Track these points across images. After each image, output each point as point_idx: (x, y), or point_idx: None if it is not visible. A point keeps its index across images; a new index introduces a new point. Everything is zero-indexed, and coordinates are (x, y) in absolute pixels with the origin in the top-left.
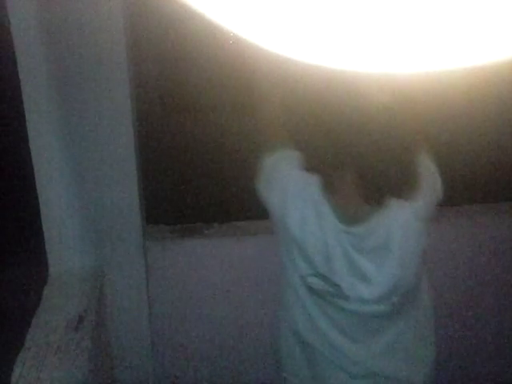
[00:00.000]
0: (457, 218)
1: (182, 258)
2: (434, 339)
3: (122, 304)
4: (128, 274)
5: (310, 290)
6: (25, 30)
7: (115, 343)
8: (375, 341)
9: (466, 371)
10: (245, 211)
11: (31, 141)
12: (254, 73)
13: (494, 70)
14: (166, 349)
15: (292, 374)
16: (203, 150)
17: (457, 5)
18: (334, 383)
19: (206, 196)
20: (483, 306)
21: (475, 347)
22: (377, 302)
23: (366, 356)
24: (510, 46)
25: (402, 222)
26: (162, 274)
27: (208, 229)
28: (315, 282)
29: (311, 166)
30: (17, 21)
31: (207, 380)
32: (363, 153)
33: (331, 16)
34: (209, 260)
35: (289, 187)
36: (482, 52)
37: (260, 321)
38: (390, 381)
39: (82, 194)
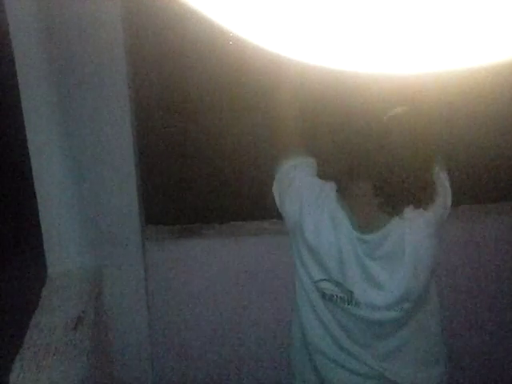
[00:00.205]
0: (457, 218)
1: (180, 258)
2: (441, 343)
3: (121, 304)
4: (127, 275)
5: (322, 295)
6: (23, 31)
7: (114, 344)
8: (383, 344)
9: (466, 371)
10: (243, 212)
11: (29, 141)
12: (272, 80)
13: (494, 71)
14: (165, 349)
15: (301, 380)
16: (202, 150)
17: (457, 6)
18: None
19: (204, 197)
20: (483, 305)
21: (475, 347)
22: (388, 308)
23: (373, 358)
24: (510, 47)
25: (414, 230)
26: (161, 275)
27: (207, 229)
28: (328, 287)
29: (327, 175)
30: (15, 22)
31: (207, 380)
32: (380, 163)
33: (340, 18)
34: (208, 260)
35: (305, 194)
36: (482, 52)
37: (259, 321)
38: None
39: (80, 195)
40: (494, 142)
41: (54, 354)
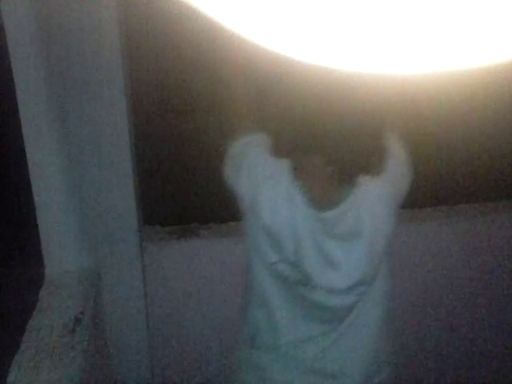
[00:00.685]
0: (456, 218)
1: (178, 258)
2: (384, 341)
3: (119, 305)
4: (125, 275)
5: (277, 279)
6: (19, 33)
7: (112, 345)
8: (324, 338)
9: (466, 371)
10: (241, 212)
11: (27, 143)
12: (223, 60)
13: (494, 70)
14: (163, 350)
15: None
16: (199, 151)
17: (456, 5)
18: (279, 379)
19: (202, 197)
20: (483, 305)
21: (475, 347)
22: (348, 292)
23: (312, 355)
24: (510, 48)
25: (370, 208)
26: (159, 275)
27: (205, 229)
28: (283, 268)
29: (280, 151)
30: (11, 23)
31: (206, 381)
32: (329, 131)
33: (324, 14)
34: (206, 260)
35: (259, 172)
36: (481, 53)
37: None
38: (328, 378)
39: (78, 196)
40: (493, 141)
41: (52, 355)
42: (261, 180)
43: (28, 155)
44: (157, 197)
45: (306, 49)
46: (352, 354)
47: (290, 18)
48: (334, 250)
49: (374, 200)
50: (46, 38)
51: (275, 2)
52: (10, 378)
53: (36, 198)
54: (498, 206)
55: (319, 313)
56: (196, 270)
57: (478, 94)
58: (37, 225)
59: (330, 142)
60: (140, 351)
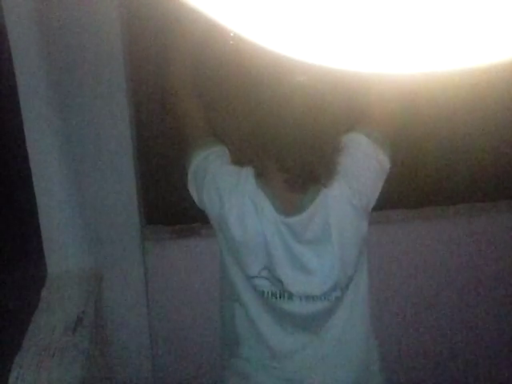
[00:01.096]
0: (456, 218)
1: (180, 258)
2: (368, 348)
3: (121, 305)
4: (126, 275)
5: (254, 292)
6: (21, 32)
7: (114, 344)
8: (309, 348)
9: (466, 371)
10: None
11: (28, 142)
12: (169, 72)
13: (493, 70)
14: (165, 349)
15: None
16: None
17: (456, 5)
18: None
19: None
20: (483, 305)
21: (475, 347)
22: (322, 297)
23: (299, 366)
24: (510, 48)
25: (336, 211)
26: (161, 275)
27: (206, 229)
28: (259, 283)
29: (239, 159)
30: (13, 23)
31: (207, 381)
32: (282, 139)
33: (324, 13)
34: (207, 260)
35: (222, 184)
36: (481, 53)
37: None
38: None
39: (80, 195)
40: (493, 141)
41: (53, 355)
42: (225, 191)
43: (30, 156)
44: (158, 196)
45: (307, 49)
46: (339, 362)
47: (290, 18)
48: (306, 255)
49: (337, 203)
50: (48, 37)
51: (276, 2)
52: (12, 377)
53: (38, 198)
54: (499, 205)
55: (299, 322)
56: (198, 269)
57: (479, 93)
58: (38, 224)
59: (281, 148)
60: (141, 351)
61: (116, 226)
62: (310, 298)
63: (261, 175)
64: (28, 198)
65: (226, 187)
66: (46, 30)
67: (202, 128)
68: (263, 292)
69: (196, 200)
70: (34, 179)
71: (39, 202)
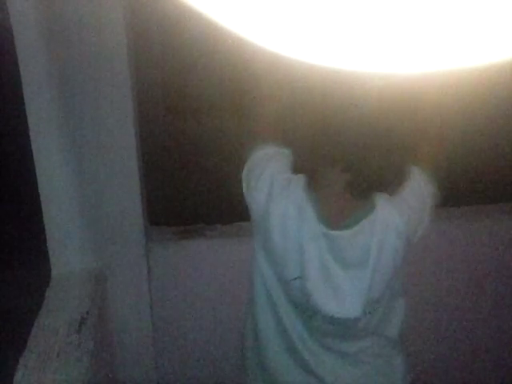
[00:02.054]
0: (457, 219)
1: (184, 259)
2: (401, 362)
3: (125, 305)
4: (130, 276)
5: (285, 295)
6: (26, 32)
7: (117, 345)
8: (337, 357)
9: (466, 371)
10: (247, 212)
11: (33, 142)
12: (252, 71)
13: (493, 70)
14: (168, 350)
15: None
16: (205, 151)
17: (456, 5)
18: None
19: (207, 197)
20: (483, 306)
21: (475, 347)
22: (345, 321)
23: (324, 371)
24: (510, 47)
25: (381, 235)
26: (165, 276)
27: (210, 230)
28: (291, 291)
29: (301, 163)
30: (18, 22)
31: (210, 381)
32: (352, 137)
33: (329, 15)
34: (211, 261)
35: (274, 188)
36: (481, 53)
37: None
38: None
39: (84, 196)
40: (494, 142)
41: (57, 355)
42: (274, 191)
43: (34, 156)
44: (162, 197)
45: (307, 49)
46: (368, 372)
47: (291, 19)
48: (338, 274)
49: (384, 227)
50: (52, 38)
51: (277, 3)
52: (17, 377)
53: (42, 199)
54: (500, 208)
55: (328, 329)
56: (201, 270)
57: (479, 94)
58: (43, 225)
59: (350, 145)
60: (145, 351)
61: (120, 226)
62: (333, 320)
63: (313, 181)
64: (32, 199)
65: (275, 191)
66: (51, 30)
67: (272, 128)
68: (294, 300)
69: (244, 191)
70: (38, 180)
71: (44, 203)
